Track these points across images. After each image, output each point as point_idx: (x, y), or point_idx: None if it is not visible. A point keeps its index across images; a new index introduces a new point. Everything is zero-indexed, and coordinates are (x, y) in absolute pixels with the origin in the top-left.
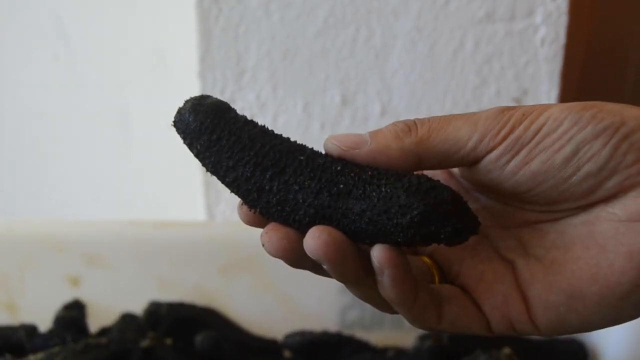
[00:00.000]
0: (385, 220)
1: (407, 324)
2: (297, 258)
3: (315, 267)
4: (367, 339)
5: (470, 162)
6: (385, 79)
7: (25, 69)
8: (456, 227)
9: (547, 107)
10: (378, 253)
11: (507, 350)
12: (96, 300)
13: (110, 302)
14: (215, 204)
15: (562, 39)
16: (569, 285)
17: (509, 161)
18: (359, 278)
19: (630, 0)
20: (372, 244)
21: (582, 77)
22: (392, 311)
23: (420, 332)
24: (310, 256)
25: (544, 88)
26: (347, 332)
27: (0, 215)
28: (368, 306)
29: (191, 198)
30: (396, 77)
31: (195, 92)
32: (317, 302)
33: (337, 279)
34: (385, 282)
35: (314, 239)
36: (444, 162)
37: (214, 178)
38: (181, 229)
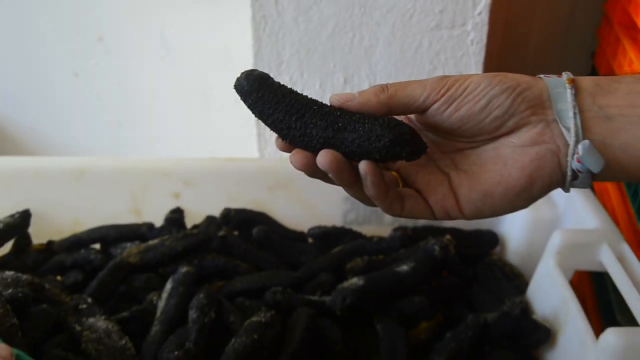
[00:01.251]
0: (367, 145)
1: (386, 221)
2: (312, 171)
3: (324, 176)
4: (360, 231)
5: (422, 110)
6: (371, 67)
7: (140, 66)
8: (413, 149)
9: (471, 75)
10: (363, 166)
11: (448, 237)
12: (190, 208)
13: (199, 209)
14: (265, 147)
15: (484, 40)
16: (483, 188)
17: (445, 110)
18: (351, 182)
19: (529, 15)
20: (359, 161)
21: (498, 64)
22: (372, 204)
23: (394, 225)
24: (321, 169)
25: (473, 72)
26: (348, 226)
27: (129, 156)
28: (362, 209)
29: (248, 144)
30: (379, 66)
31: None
32: (328, 208)
33: (337, 184)
34: (368, 185)
35: (323, 158)
36: (405, 110)
37: (263, 131)
38: (243, 163)
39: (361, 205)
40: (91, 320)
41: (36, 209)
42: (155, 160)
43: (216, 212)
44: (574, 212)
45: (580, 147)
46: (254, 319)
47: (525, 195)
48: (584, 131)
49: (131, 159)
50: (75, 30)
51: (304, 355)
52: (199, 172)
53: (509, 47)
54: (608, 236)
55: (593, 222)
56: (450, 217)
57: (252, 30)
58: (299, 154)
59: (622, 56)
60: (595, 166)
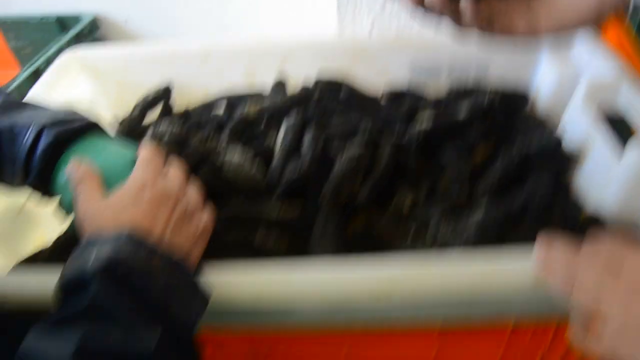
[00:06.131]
0: None
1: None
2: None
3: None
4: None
5: None
6: None
7: None
8: None
9: None
10: None
11: (491, 94)
12: (291, 78)
13: (298, 79)
14: (346, 26)
15: None
16: (558, 13)
17: None
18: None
19: None
20: None
21: None
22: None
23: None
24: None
25: None
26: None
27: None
28: (423, 78)
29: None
30: None
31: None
32: (397, 76)
33: (434, 12)
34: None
35: None
36: None
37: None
38: (331, 40)
39: (422, 75)
40: (229, 155)
41: (176, 83)
42: (263, 41)
43: (311, 79)
44: (595, 67)
45: None
46: (351, 150)
47: (588, 19)
48: None
49: (245, 41)
50: None
51: (388, 177)
52: (298, 48)
53: None
54: (627, 83)
55: (613, 73)
56: (531, 34)
57: None
58: None
59: None
60: None
